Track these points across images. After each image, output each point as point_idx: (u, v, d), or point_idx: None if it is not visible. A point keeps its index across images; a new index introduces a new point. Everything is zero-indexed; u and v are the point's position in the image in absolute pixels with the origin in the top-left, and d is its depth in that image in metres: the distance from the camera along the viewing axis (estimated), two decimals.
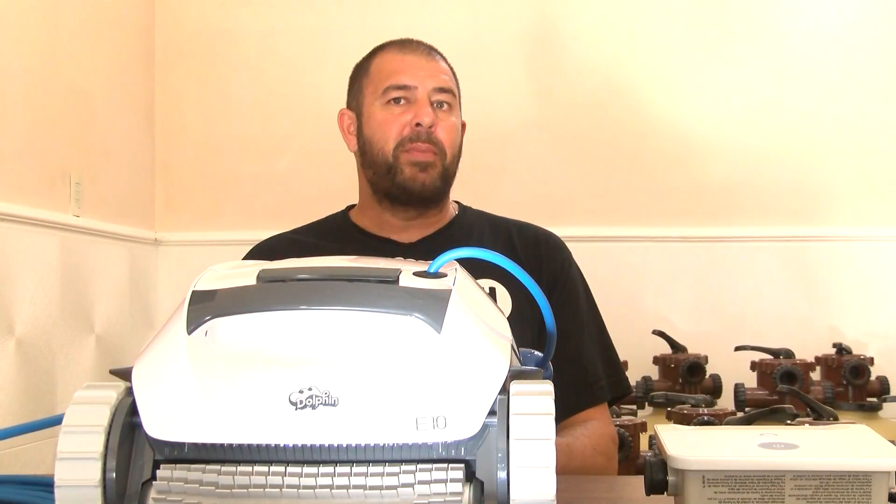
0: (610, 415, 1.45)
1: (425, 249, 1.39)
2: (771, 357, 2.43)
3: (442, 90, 1.40)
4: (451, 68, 1.46)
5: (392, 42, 1.45)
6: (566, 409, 1.37)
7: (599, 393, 1.41)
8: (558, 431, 1.34)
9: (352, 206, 1.51)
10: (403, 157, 1.37)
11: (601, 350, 1.44)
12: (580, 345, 1.41)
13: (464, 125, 1.48)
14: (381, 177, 1.40)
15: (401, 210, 1.41)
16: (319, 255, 1.33)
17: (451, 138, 1.40)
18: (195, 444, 0.57)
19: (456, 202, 1.51)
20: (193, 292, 0.64)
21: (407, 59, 1.41)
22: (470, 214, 1.50)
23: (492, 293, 1.35)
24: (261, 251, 1.43)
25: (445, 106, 1.40)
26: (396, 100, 1.39)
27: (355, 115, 1.45)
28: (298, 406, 0.56)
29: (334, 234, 1.47)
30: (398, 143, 1.37)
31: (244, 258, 1.40)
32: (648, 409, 2.36)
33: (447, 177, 1.40)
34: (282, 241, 1.46)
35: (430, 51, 1.44)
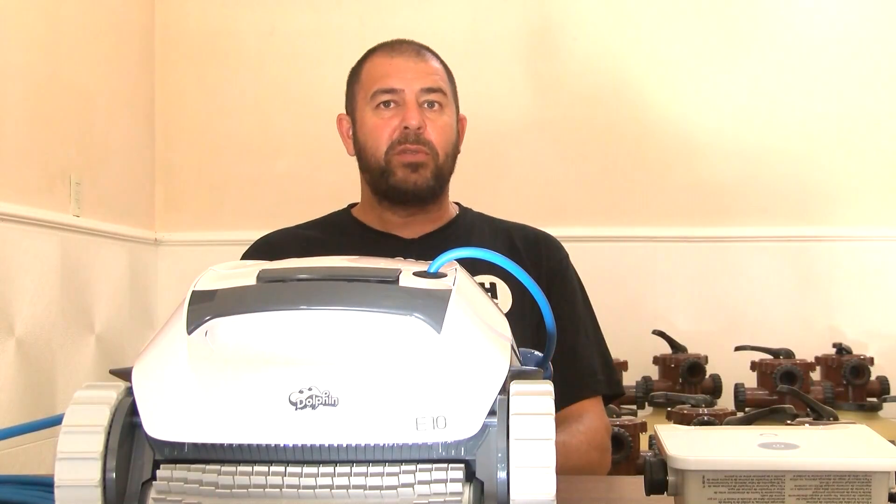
0: (604, 407, 1.46)
1: (428, 245, 1.41)
2: (771, 357, 2.43)
3: (430, 90, 1.41)
4: (445, 65, 1.46)
5: (382, 45, 1.46)
6: (561, 400, 1.37)
7: (595, 385, 1.42)
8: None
9: (353, 205, 1.53)
10: (395, 160, 1.40)
11: (597, 348, 1.46)
12: (576, 338, 1.42)
13: (464, 119, 1.49)
14: (376, 180, 1.42)
15: (400, 208, 1.44)
16: (323, 250, 1.35)
17: (443, 138, 1.41)
18: (195, 444, 0.57)
19: (456, 203, 1.53)
20: (193, 292, 0.64)
21: (395, 63, 1.42)
22: (470, 216, 1.53)
23: (492, 289, 1.37)
24: (265, 244, 1.45)
25: (436, 105, 1.41)
26: (386, 103, 1.40)
27: (351, 119, 1.47)
28: (298, 406, 0.56)
29: (338, 229, 1.49)
30: (389, 147, 1.40)
31: (247, 251, 1.43)
32: (648, 409, 2.36)
33: (440, 175, 1.42)
34: (286, 235, 1.49)
35: (419, 51, 1.45)
